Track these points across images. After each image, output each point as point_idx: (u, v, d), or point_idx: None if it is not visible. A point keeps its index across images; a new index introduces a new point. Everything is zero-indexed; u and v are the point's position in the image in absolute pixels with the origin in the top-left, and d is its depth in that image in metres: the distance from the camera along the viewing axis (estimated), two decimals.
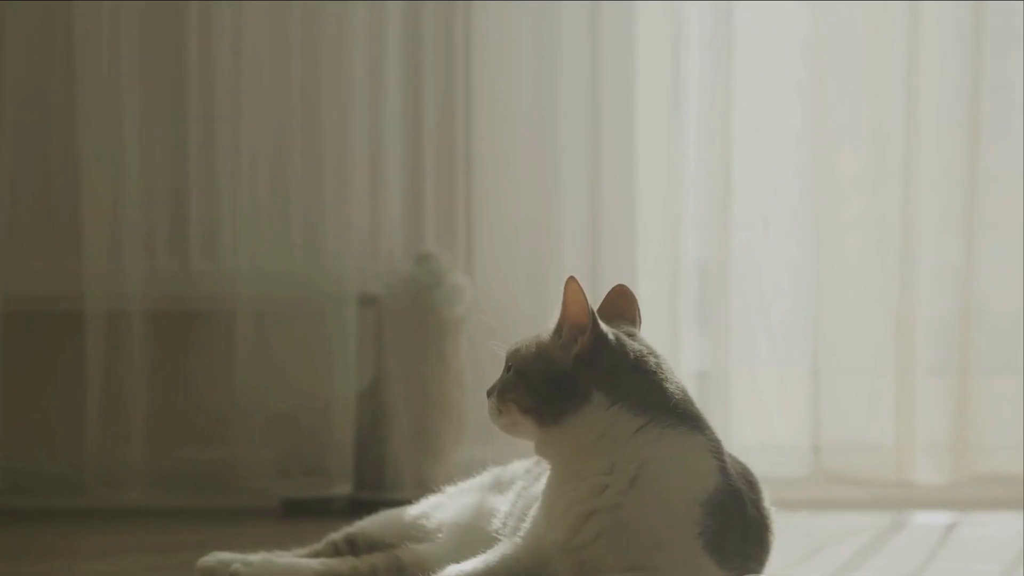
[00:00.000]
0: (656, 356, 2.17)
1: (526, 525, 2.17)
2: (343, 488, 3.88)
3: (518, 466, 2.42)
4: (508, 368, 2.17)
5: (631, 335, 2.18)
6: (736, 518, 2.11)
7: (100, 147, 3.97)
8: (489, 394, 2.18)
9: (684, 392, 2.16)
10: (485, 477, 2.46)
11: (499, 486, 2.41)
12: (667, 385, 2.14)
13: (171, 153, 4.00)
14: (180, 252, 4.02)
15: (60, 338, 4.00)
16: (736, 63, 4.00)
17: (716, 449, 2.13)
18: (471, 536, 2.32)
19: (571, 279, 2.12)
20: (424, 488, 2.58)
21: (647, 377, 2.13)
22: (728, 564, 2.09)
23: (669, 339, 3.91)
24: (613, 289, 2.23)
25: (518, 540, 2.16)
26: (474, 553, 2.20)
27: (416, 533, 2.43)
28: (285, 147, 4.00)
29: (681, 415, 2.12)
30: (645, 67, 4.03)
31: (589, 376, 2.11)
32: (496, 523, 2.29)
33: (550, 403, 2.12)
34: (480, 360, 3.84)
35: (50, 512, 3.81)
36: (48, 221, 4.01)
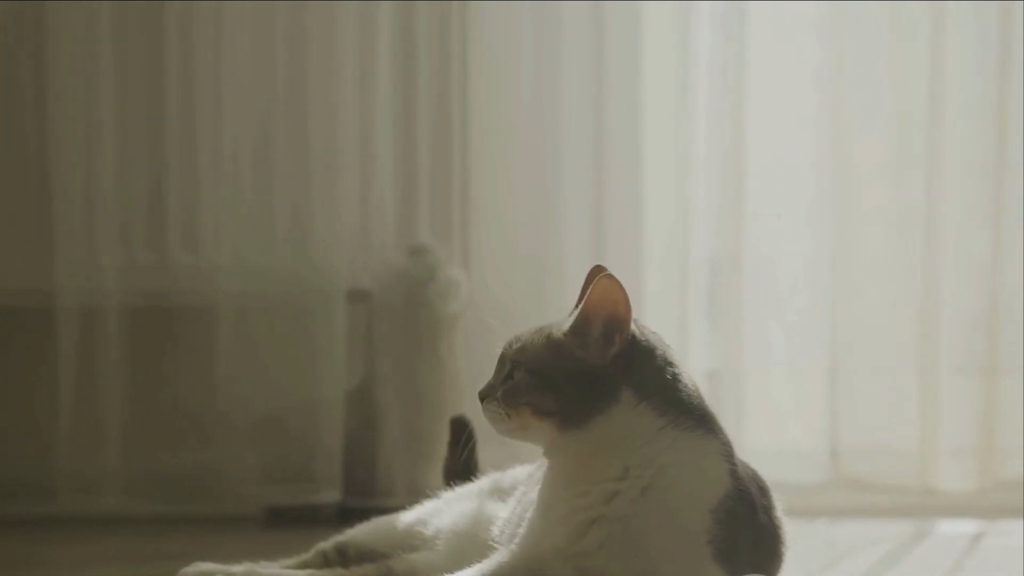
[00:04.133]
0: (671, 349, 2.17)
1: (521, 530, 2.17)
2: (331, 495, 3.88)
3: (519, 471, 2.42)
4: (511, 367, 2.14)
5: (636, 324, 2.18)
6: (746, 525, 2.11)
7: (72, 132, 3.96)
8: (485, 396, 2.15)
9: (697, 389, 2.17)
10: (484, 482, 2.45)
11: (499, 492, 2.40)
12: (685, 381, 2.14)
13: (149, 139, 4.00)
14: (158, 244, 4.01)
15: (31, 335, 3.99)
16: (749, 45, 4.00)
17: (728, 453, 2.14)
18: (469, 545, 2.31)
19: (607, 274, 2.10)
20: (417, 494, 2.58)
21: (671, 371, 2.14)
22: (737, 574, 2.08)
23: (678, 337, 3.90)
24: (593, 272, 2.20)
25: (513, 547, 2.16)
26: (471, 563, 2.19)
27: (411, 541, 2.42)
28: (270, 133, 3.99)
29: (698, 416, 2.12)
30: (652, 49, 4.03)
31: (619, 374, 2.10)
32: (495, 531, 2.28)
33: (577, 405, 2.10)
34: (477, 359, 3.84)
35: (19, 520, 3.81)
36: (17, 211, 4.01)
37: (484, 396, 2.15)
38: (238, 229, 3.98)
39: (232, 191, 3.98)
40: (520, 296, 3.92)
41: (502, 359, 2.16)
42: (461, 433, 2.53)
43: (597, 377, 2.10)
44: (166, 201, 4.00)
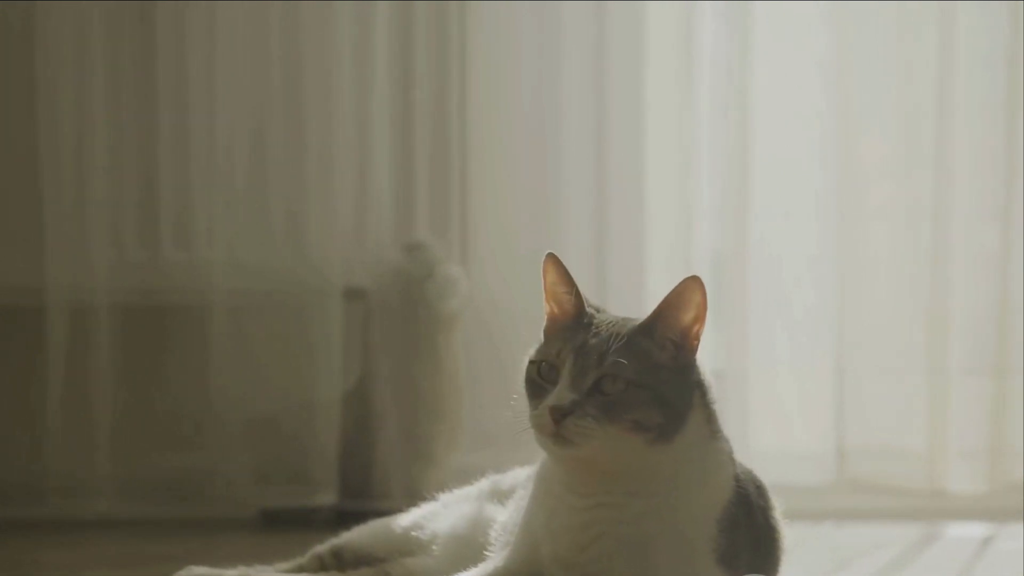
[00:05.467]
0: None
1: (517, 535, 2.16)
2: (327, 497, 3.88)
3: (519, 473, 2.41)
4: (599, 379, 2.03)
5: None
6: (745, 528, 2.11)
7: (63, 126, 3.95)
8: (568, 412, 2.02)
9: None
10: (483, 484, 2.45)
11: (498, 495, 2.39)
12: None
13: (141, 134, 3.99)
14: (150, 241, 4.01)
15: (19, 334, 3.99)
16: (753, 39, 4.00)
17: (732, 455, 2.14)
18: (467, 549, 2.31)
19: (692, 276, 2.06)
20: (414, 497, 2.58)
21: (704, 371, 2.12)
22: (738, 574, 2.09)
23: None
24: (556, 263, 2.15)
25: (508, 553, 2.15)
26: (469, 568, 2.18)
27: (409, 545, 2.42)
28: (264, 128, 3.99)
29: (716, 420, 2.12)
30: (655, 43, 4.02)
31: (693, 377, 2.08)
32: (492, 534, 2.28)
33: (675, 415, 2.05)
34: (476, 358, 3.84)
35: (8, 523, 3.80)
36: (6, 206, 4.00)
37: (568, 412, 2.03)
38: (232, 226, 3.97)
39: (226, 187, 3.97)
40: (520, 294, 3.91)
41: (583, 368, 2.04)
42: None
43: (681, 382, 2.06)
44: (158, 197, 4.00)
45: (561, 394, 2.03)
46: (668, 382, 2.04)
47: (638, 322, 2.08)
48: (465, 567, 2.19)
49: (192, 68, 3.98)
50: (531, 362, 2.10)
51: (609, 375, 2.04)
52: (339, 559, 2.49)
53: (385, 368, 3.85)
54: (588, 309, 2.12)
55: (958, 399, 3.93)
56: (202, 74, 3.97)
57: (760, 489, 2.17)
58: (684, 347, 2.07)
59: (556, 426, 2.02)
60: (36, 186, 3.96)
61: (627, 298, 3.78)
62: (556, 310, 2.13)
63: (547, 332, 2.13)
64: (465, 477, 2.53)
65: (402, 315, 3.85)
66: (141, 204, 4.00)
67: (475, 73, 4.01)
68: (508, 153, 4.01)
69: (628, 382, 2.03)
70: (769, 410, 4.00)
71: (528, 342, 3.47)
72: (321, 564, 2.49)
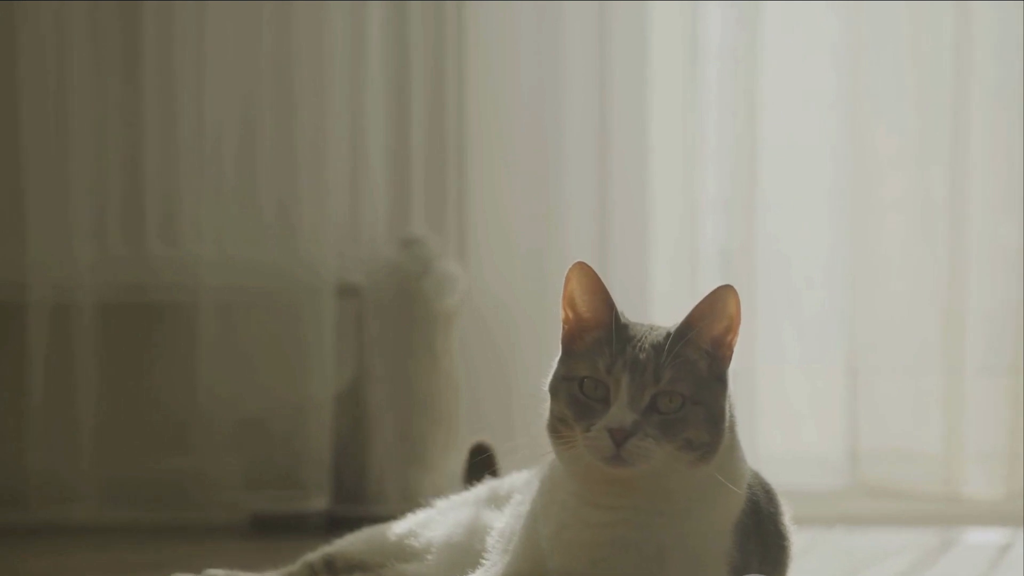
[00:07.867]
0: None
1: (516, 543, 2.14)
2: (319, 502, 3.88)
3: (517, 477, 2.40)
4: (655, 396, 1.99)
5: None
6: (755, 536, 2.10)
7: (46, 117, 3.95)
8: (632, 433, 1.98)
9: None
10: (480, 490, 2.44)
11: (496, 500, 2.38)
12: None
13: (126, 124, 4.00)
14: (136, 236, 4.01)
15: None
16: (762, 25, 4.00)
17: (746, 462, 2.13)
18: (464, 557, 2.30)
19: (726, 284, 2.03)
20: (410, 501, 2.58)
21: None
22: None
23: None
24: (582, 272, 2.09)
25: (507, 561, 2.14)
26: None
27: (402, 553, 2.42)
28: (255, 118, 3.99)
29: (736, 425, 2.10)
30: (659, 29, 4.03)
31: (726, 389, 2.06)
32: (490, 541, 2.26)
33: (720, 433, 2.03)
34: (474, 358, 3.83)
35: None
36: None
37: (630, 433, 1.99)
38: (220, 220, 3.97)
39: (214, 180, 3.97)
40: (520, 291, 3.91)
41: (640, 386, 2.00)
42: (480, 461, 2.45)
43: (722, 396, 2.04)
44: (144, 190, 4.00)
45: (622, 415, 1.99)
46: (714, 397, 2.03)
47: (672, 331, 2.04)
48: (460, 574, 2.18)
49: (180, 57, 3.98)
50: (565, 378, 2.05)
51: (665, 392, 2.01)
52: (331, 567, 2.48)
53: (380, 368, 3.86)
54: (624, 320, 2.07)
55: (974, 400, 3.93)
56: (190, 62, 3.97)
57: (769, 494, 2.17)
58: (717, 358, 2.05)
59: (618, 448, 1.99)
60: (18, 179, 3.96)
61: (631, 297, 3.78)
62: (572, 317, 2.09)
63: (572, 345, 2.07)
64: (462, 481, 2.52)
65: (397, 313, 3.85)
66: (126, 197, 4.00)
67: (473, 62, 4.01)
68: (507, 145, 4.01)
69: (684, 399, 2.01)
70: (779, 412, 4.00)
71: (528, 342, 3.46)
72: (312, 572, 2.49)
